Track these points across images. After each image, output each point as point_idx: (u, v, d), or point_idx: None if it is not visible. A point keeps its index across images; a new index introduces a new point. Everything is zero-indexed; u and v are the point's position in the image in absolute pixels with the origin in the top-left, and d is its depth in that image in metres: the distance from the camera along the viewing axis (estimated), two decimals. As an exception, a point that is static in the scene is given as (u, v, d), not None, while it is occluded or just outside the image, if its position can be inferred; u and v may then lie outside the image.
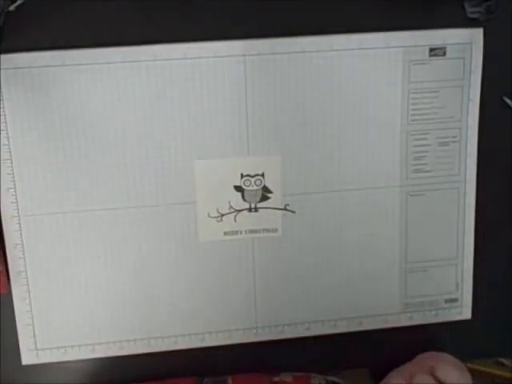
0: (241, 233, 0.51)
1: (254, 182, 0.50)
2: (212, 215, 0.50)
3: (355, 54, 0.49)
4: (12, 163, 0.48)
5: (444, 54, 0.50)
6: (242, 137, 0.49)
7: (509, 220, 0.54)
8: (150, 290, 0.51)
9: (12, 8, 0.45)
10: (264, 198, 0.51)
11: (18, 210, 0.48)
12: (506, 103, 0.52)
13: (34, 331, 0.50)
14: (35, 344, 0.50)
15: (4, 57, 0.46)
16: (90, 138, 0.48)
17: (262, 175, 0.50)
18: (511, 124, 0.52)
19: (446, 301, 0.55)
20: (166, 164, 0.49)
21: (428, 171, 0.52)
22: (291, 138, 0.50)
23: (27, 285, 0.50)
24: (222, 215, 0.50)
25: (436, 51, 0.50)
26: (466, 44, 0.50)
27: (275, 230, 0.51)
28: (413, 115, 0.51)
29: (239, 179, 0.50)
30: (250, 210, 0.51)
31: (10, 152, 0.47)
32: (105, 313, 0.51)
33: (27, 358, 0.51)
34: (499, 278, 0.55)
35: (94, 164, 0.48)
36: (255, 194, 0.50)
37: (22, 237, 0.49)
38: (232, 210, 0.50)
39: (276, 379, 0.50)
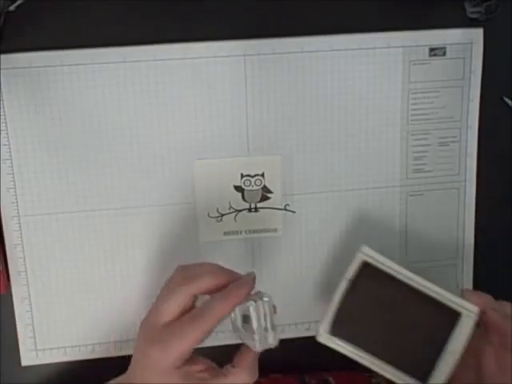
0: (241, 233, 0.51)
1: (254, 182, 0.50)
2: (212, 215, 0.50)
3: (355, 54, 0.49)
4: (12, 163, 0.48)
5: (444, 53, 0.50)
6: (242, 137, 0.49)
7: (509, 220, 0.54)
8: (149, 290, 0.51)
9: (12, 8, 0.45)
10: (264, 198, 0.51)
11: (17, 209, 0.48)
12: (506, 103, 0.52)
13: (33, 331, 0.50)
14: (35, 344, 0.50)
15: (4, 57, 0.46)
16: (89, 138, 0.48)
17: (262, 175, 0.50)
18: (511, 124, 0.52)
19: (446, 301, 0.54)
20: (166, 164, 0.49)
21: (428, 171, 0.52)
22: (291, 137, 0.50)
23: (27, 285, 0.50)
24: (222, 215, 0.50)
25: (436, 51, 0.50)
26: (466, 44, 0.50)
27: (275, 230, 0.51)
28: (413, 115, 0.51)
29: (239, 179, 0.50)
30: (249, 210, 0.51)
31: (10, 152, 0.47)
32: (105, 313, 0.51)
33: (27, 358, 0.51)
34: (499, 277, 0.55)
35: (94, 164, 0.48)
36: (255, 194, 0.50)
37: (22, 237, 0.49)
38: (232, 210, 0.50)
39: None
